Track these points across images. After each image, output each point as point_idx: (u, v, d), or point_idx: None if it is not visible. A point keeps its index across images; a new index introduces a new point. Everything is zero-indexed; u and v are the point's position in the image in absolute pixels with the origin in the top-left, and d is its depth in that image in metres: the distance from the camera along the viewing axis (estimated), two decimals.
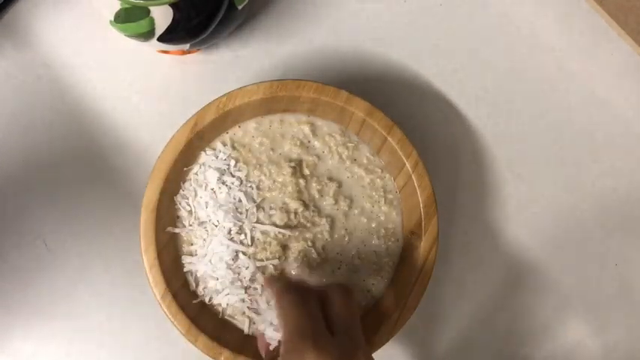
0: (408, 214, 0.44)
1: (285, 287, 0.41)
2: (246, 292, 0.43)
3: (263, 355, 0.42)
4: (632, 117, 0.49)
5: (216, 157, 0.44)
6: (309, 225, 0.44)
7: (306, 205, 0.44)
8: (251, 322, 0.43)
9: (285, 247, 0.43)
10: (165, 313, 0.42)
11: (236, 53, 0.48)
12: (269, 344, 0.41)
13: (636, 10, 0.46)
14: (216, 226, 0.43)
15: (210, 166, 0.44)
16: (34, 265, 0.47)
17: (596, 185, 0.48)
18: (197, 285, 0.44)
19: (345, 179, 0.45)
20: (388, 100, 0.48)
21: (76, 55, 0.48)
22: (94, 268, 0.47)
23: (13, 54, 0.47)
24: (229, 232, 0.43)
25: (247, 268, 0.43)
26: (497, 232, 0.48)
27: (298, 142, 0.44)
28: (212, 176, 0.43)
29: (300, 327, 0.37)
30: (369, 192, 0.44)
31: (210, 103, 0.43)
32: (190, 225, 0.43)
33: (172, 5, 0.37)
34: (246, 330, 0.43)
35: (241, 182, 0.44)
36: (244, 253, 0.43)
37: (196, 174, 0.44)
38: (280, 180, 0.44)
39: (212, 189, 0.43)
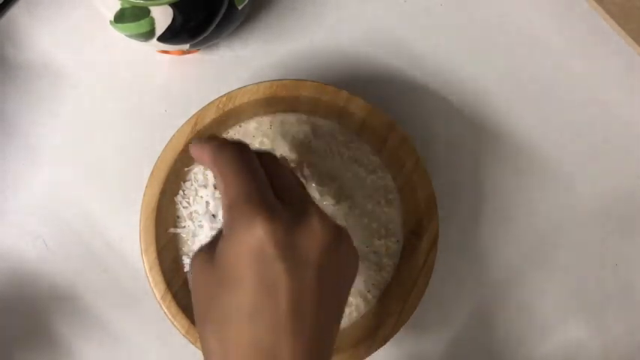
0: (408, 214, 0.44)
1: (222, 144, 0.33)
2: None
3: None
4: (632, 117, 0.49)
5: None
6: None
7: None
8: None
9: None
10: (165, 313, 0.42)
11: (236, 53, 0.48)
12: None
13: (636, 10, 0.46)
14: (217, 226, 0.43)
15: None
16: (34, 265, 0.47)
17: (596, 185, 0.48)
18: None
19: (345, 179, 0.44)
20: (388, 100, 0.48)
21: (76, 55, 0.48)
22: (94, 268, 0.47)
23: (12, 54, 0.47)
24: None
25: None
26: (497, 231, 0.48)
27: (299, 142, 0.44)
28: (212, 176, 0.43)
29: (246, 188, 0.31)
30: (370, 192, 0.44)
31: (210, 103, 0.43)
32: (191, 225, 0.43)
33: (172, 5, 0.37)
34: None
35: None
36: None
37: (196, 174, 0.44)
38: None
39: (212, 189, 0.43)
